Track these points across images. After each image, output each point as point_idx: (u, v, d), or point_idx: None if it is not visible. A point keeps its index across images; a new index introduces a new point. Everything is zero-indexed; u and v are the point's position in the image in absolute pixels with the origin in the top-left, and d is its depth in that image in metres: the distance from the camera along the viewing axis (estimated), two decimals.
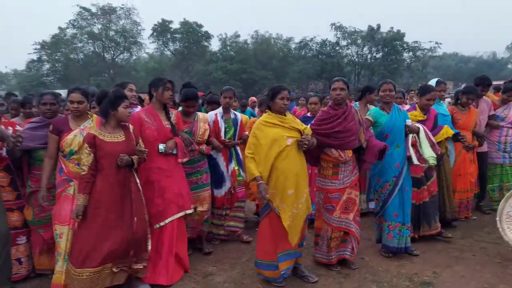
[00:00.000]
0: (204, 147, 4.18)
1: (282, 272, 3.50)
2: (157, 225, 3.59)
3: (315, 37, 36.77)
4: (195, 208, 4.03)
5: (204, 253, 4.33)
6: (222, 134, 4.46)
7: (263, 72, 35.34)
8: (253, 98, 9.76)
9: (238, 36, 40.04)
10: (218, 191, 4.44)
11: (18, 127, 3.84)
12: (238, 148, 4.67)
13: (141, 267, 3.39)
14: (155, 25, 38.45)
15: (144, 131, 3.61)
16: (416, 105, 4.71)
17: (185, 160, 3.85)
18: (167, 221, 3.63)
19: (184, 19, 38.08)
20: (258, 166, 3.42)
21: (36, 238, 3.74)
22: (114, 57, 40.07)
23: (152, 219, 3.54)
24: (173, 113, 3.92)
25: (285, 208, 3.45)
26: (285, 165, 3.43)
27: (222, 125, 4.47)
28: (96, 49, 39.43)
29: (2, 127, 3.48)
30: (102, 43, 38.96)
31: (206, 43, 39.42)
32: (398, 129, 4.21)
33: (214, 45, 41.27)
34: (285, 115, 3.55)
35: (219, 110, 4.58)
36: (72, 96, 3.47)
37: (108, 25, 38.88)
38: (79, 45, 38.75)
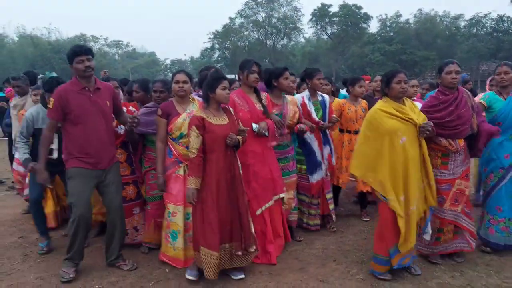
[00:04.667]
0: (303, 125, 4.03)
1: (394, 267, 3.24)
2: (259, 211, 3.59)
3: (489, 12, 32.80)
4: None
5: (296, 241, 4.09)
6: (314, 116, 4.24)
7: (425, 53, 33.16)
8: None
9: (400, 16, 38.30)
10: (313, 177, 4.18)
11: (131, 108, 4.05)
12: (328, 132, 4.43)
13: (253, 250, 3.35)
14: (314, 10, 39.63)
15: (238, 114, 3.52)
16: None
17: (274, 144, 3.80)
18: (263, 208, 3.62)
19: (344, 1, 38.15)
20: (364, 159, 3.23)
21: (146, 213, 3.93)
22: (275, 43, 42.77)
23: (249, 202, 3.53)
24: (264, 95, 3.82)
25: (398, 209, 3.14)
26: (395, 165, 3.14)
27: (311, 108, 4.27)
28: (260, 37, 42.72)
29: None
30: (265, 30, 42.00)
31: (364, 25, 38.86)
32: None
33: (373, 27, 40.36)
34: (403, 102, 3.25)
35: (306, 92, 4.35)
36: (177, 76, 3.57)
37: (271, 13, 41.70)
38: (245, 33, 42.57)
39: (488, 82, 5.30)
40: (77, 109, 3.22)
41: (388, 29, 37.74)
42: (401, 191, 3.13)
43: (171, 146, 3.56)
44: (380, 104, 3.26)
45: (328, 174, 4.33)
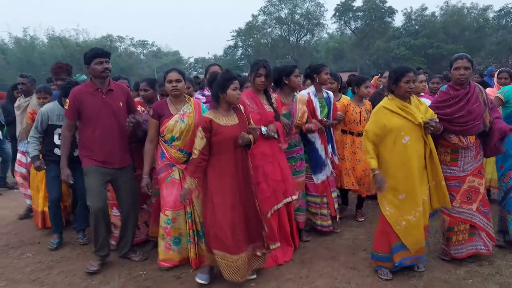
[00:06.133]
0: (312, 124, 3.91)
1: (396, 264, 3.17)
2: (268, 214, 3.52)
3: None
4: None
5: (303, 241, 4.02)
6: (318, 113, 4.14)
7: (453, 46, 32.43)
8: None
9: (425, 9, 37.58)
10: (317, 177, 4.08)
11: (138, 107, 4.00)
12: (332, 130, 4.35)
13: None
14: (337, 5, 39.27)
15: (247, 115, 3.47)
16: None
17: (285, 146, 3.73)
18: (272, 210, 3.57)
19: None
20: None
21: (152, 207, 3.92)
22: (298, 39, 42.68)
23: (260, 204, 3.40)
24: (274, 97, 3.76)
25: (392, 214, 3.13)
26: (397, 165, 3.09)
27: (316, 104, 4.15)
28: (283, 33, 42.70)
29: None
30: (288, 27, 41.96)
31: (389, 19, 38.32)
32: None
33: (398, 21, 39.74)
34: (409, 101, 3.16)
35: (311, 88, 4.23)
36: (170, 75, 3.42)
37: (294, 9, 41.63)
38: (268, 30, 42.62)
39: (496, 75, 5.10)
40: (89, 110, 3.37)
41: (413, 22, 37.12)
42: (403, 189, 3.08)
43: (163, 149, 3.47)
44: (385, 101, 3.20)
45: (333, 172, 4.25)
